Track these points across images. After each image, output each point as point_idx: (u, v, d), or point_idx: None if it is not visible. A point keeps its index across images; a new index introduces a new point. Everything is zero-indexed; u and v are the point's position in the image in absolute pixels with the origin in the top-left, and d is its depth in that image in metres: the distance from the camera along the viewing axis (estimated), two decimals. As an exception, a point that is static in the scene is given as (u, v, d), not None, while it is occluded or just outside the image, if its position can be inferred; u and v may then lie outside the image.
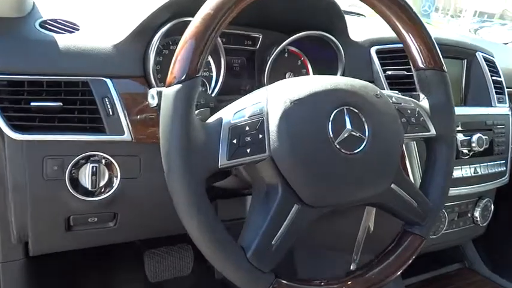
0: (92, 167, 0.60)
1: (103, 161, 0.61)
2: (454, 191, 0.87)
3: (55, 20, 0.65)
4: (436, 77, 0.59)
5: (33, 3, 0.68)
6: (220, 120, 0.48)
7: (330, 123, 0.48)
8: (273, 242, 0.47)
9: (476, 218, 0.98)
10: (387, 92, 0.60)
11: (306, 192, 0.48)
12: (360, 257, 0.82)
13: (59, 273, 0.98)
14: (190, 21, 0.47)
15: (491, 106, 0.97)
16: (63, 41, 0.61)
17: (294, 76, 0.81)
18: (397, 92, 0.63)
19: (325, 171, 0.48)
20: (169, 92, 0.45)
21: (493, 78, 0.98)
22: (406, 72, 0.83)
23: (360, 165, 0.50)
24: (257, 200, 0.50)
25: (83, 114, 0.59)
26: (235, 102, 0.50)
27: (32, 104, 0.56)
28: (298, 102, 0.48)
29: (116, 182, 0.62)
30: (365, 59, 0.83)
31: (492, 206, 1.01)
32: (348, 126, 0.49)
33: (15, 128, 0.56)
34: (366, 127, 0.50)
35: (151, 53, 0.63)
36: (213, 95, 0.73)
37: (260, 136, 0.47)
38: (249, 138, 0.46)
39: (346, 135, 0.49)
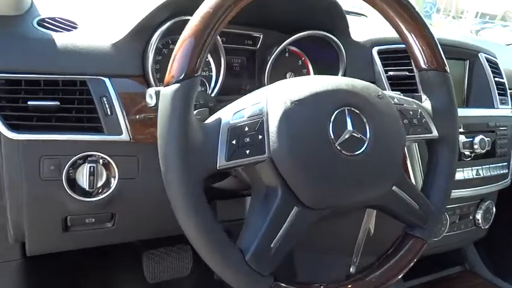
0: (90, 167, 0.59)
1: (101, 161, 0.61)
2: (455, 193, 0.86)
3: (53, 18, 0.64)
4: (438, 77, 0.59)
5: (31, 1, 0.67)
6: (219, 120, 0.47)
7: (331, 124, 0.48)
8: (272, 245, 0.47)
9: (478, 220, 0.98)
10: (389, 92, 0.59)
11: (306, 194, 0.48)
12: (360, 259, 0.81)
13: (57, 273, 0.98)
14: (189, 20, 0.46)
15: (494, 108, 0.96)
16: (61, 39, 0.60)
17: (295, 76, 0.81)
18: (399, 92, 0.62)
19: (325, 173, 0.47)
20: (167, 92, 0.44)
21: (496, 79, 0.98)
22: (408, 73, 0.83)
23: (361, 167, 0.49)
24: (256, 202, 0.50)
25: (81, 114, 0.59)
26: (234, 103, 0.49)
27: (29, 103, 0.56)
28: (299, 102, 0.47)
29: (114, 183, 0.62)
30: (366, 59, 0.83)
31: (494, 209, 1.00)
32: (349, 127, 0.49)
33: (12, 128, 0.55)
34: (368, 128, 0.50)
35: (150, 52, 0.63)
36: (212, 95, 0.72)
37: (260, 137, 0.46)
38: (248, 139, 0.46)
39: (347, 136, 0.48)
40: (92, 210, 0.63)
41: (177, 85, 0.44)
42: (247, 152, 0.46)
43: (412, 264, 0.58)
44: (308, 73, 0.83)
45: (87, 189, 0.60)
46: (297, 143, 0.46)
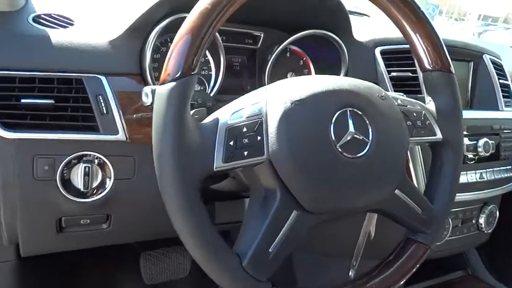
0: (85, 167, 0.58)
1: (96, 161, 0.59)
2: (458, 197, 0.84)
3: (49, 15, 0.63)
4: (443, 78, 0.57)
5: (27, -3, 0.66)
6: (216, 120, 0.45)
7: (332, 125, 0.46)
8: (270, 250, 0.45)
9: (481, 224, 0.96)
10: (392, 93, 0.58)
11: (306, 197, 0.46)
12: (360, 263, 0.80)
13: (53, 274, 0.97)
14: None
15: (498, 110, 0.95)
16: (57, 36, 0.59)
17: (296, 76, 0.79)
18: (402, 93, 0.61)
19: (326, 176, 0.46)
20: (162, 90, 0.43)
21: (501, 81, 0.96)
22: (411, 74, 0.82)
23: (362, 170, 0.48)
24: (254, 205, 0.48)
25: (76, 113, 0.58)
26: (233, 102, 0.48)
27: (23, 101, 0.54)
28: (299, 103, 0.46)
29: (109, 183, 0.60)
30: (369, 59, 0.82)
31: (497, 213, 0.99)
32: (351, 128, 0.47)
33: (5, 126, 0.54)
34: (370, 130, 0.48)
35: (148, 50, 0.62)
36: (211, 94, 0.71)
37: (258, 138, 0.45)
38: (246, 140, 0.44)
39: (348, 138, 0.47)
40: (87, 211, 0.62)
41: (172, 83, 0.42)
42: (246, 153, 0.44)
43: (414, 270, 0.56)
44: (309, 73, 0.82)
45: (81, 189, 0.58)
46: (296, 145, 0.45)
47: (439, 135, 0.56)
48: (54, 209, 0.60)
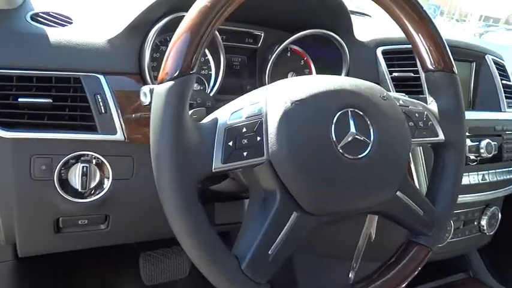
0: (83, 167, 0.57)
1: (94, 161, 0.59)
2: (460, 199, 0.84)
3: (47, 13, 0.63)
4: (445, 79, 0.56)
5: (26, -5, 0.66)
6: (215, 120, 0.45)
7: (333, 125, 0.46)
8: (269, 252, 0.44)
9: (483, 226, 0.95)
10: (394, 94, 0.57)
11: (306, 199, 0.45)
12: (360, 265, 0.79)
13: (52, 274, 0.96)
14: None
15: (501, 111, 0.95)
16: (55, 34, 0.58)
17: (297, 76, 0.79)
18: (404, 94, 0.60)
19: (326, 177, 0.45)
20: (160, 90, 0.42)
21: (503, 82, 0.96)
22: (413, 74, 0.81)
23: (364, 171, 0.47)
24: (254, 206, 0.48)
25: (74, 112, 0.57)
26: (232, 102, 0.47)
27: (20, 100, 0.54)
28: (300, 103, 0.45)
29: (108, 183, 0.60)
30: (371, 59, 0.81)
31: (499, 215, 0.98)
32: (352, 129, 0.46)
33: (2, 125, 0.53)
34: (371, 131, 0.48)
35: (147, 49, 0.61)
36: (211, 94, 0.70)
37: (258, 138, 0.44)
38: (246, 141, 0.43)
39: (350, 139, 0.46)
40: (84, 212, 0.61)
41: (171, 82, 0.42)
42: (245, 154, 0.43)
43: (415, 273, 0.55)
44: (310, 73, 0.81)
45: (79, 190, 0.58)
46: (297, 145, 0.44)
47: (441, 136, 0.56)
48: (51, 209, 0.59)
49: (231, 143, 0.43)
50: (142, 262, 1.05)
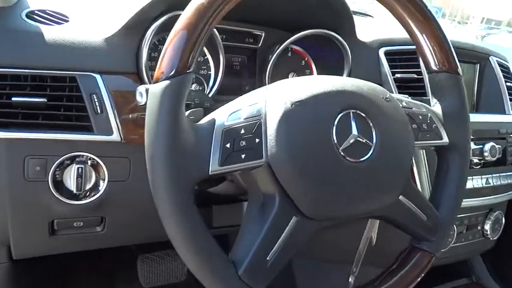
0: (78, 168, 0.56)
1: (89, 162, 0.58)
2: (463, 203, 0.81)
3: (43, 11, 0.62)
4: (450, 80, 0.55)
5: (22, -8, 0.65)
6: (213, 121, 0.43)
7: (334, 127, 0.44)
8: (268, 258, 0.43)
9: (487, 231, 0.94)
10: (397, 95, 0.56)
11: (306, 203, 0.44)
12: (360, 269, 0.78)
13: (48, 276, 0.95)
14: None
15: (505, 113, 0.94)
16: (51, 33, 0.57)
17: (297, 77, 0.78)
18: (407, 95, 0.59)
19: (327, 181, 0.44)
20: (156, 89, 0.41)
21: (507, 84, 0.95)
22: (416, 76, 0.80)
23: (366, 175, 0.45)
24: (252, 210, 0.46)
25: (69, 112, 0.56)
26: (230, 103, 0.46)
27: (14, 99, 0.53)
28: (300, 104, 0.44)
29: (103, 185, 0.59)
30: (373, 60, 0.80)
31: (503, 219, 0.97)
32: (354, 131, 0.45)
33: None
34: (374, 133, 0.46)
35: (145, 48, 0.60)
36: (210, 94, 0.69)
37: (257, 140, 0.43)
38: (244, 143, 0.42)
39: (351, 141, 0.45)
40: (80, 214, 0.60)
41: (166, 82, 0.41)
42: (243, 156, 0.42)
43: (418, 279, 0.54)
44: (311, 74, 0.80)
45: (74, 191, 0.57)
46: (296, 148, 0.43)
47: (445, 139, 0.54)
48: (46, 211, 0.58)
49: (228, 145, 0.42)
50: (140, 264, 1.04)
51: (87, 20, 0.63)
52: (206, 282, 0.43)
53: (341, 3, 0.70)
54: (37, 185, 0.56)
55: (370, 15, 1.26)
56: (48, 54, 0.56)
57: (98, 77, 0.57)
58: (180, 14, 0.60)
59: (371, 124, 0.46)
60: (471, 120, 0.58)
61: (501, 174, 0.89)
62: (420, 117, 0.53)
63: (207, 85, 0.71)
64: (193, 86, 0.70)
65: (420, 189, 0.79)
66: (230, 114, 0.44)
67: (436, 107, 0.56)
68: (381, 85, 0.52)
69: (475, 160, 0.84)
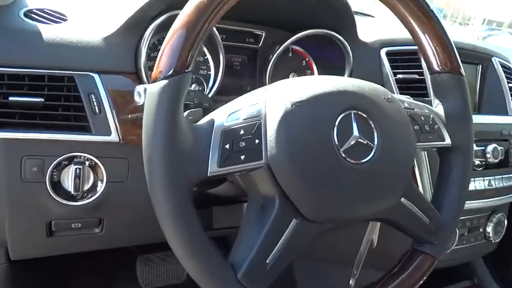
0: (76, 169, 0.56)
1: (87, 162, 0.57)
2: (465, 205, 0.80)
3: (41, 10, 0.61)
4: (453, 81, 0.55)
5: (20, -9, 0.64)
6: (212, 122, 0.43)
7: (335, 128, 0.44)
8: (267, 261, 0.42)
9: (489, 233, 0.93)
10: (399, 96, 0.55)
11: (306, 205, 0.43)
12: (361, 271, 0.77)
13: (46, 278, 0.94)
14: None
15: (508, 115, 0.93)
16: (49, 32, 0.57)
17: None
18: (408, 96, 0.58)
19: (328, 183, 0.43)
20: (153, 89, 0.40)
21: (510, 85, 0.94)
22: (417, 76, 0.79)
23: (367, 177, 0.45)
24: (252, 212, 0.46)
25: (67, 112, 0.56)
26: (230, 103, 0.45)
27: (11, 98, 0.52)
28: (300, 104, 0.43)
29: (101, 186, 0.58)
30: (374, 61, 0.79)
31: (506, 221, 0.96)
32: (355, 132, 0.44)
33: None
34: (375, 134, 0.46)
35: (144, 48, 0.60)
36: (210, 95, 0.69)
37: (256, 141, 0.42)
38: (243, 144, 0.42)
39: (352, 142, 0.44)
40: (78, 215, 0.59)
41: (164, 81, 0.40)
42: (242, 157, 0.41)
43: (420, 283, 0.53)
44: (312, 74, 0.80)
45: (72, 192, 0.56)
46: (297, 149, 0.42)
47: (447, 140, 0.54)
48: (43, 212, 0.57)
49: (227, 146, 0.41)
50: (139, 265, 1.04)
51: (86, 19, 0.62)
52: (204, 286, 0.42)
53: (342, 3, 0.69)
54: (34, 185, 0.55)
55: (371, 16, 1.25)
56: (46, 53, 0.55)
57: (96, 76, 0.56)
58: (179, 13, 0.60)
59: (372, 125, 0.46)
60: (473, 121, 0.57)
61: (504, 176, 0.88)
62: (422, 118, 0.52)
63: (207, 85, 0.70)
64: (193, 86, 0.70)
65: (422, 192, 0.78)
66: (229, 114, 0.43)
67: (439, 108, 0.56)
68: (382, 86, 0.52)
69: (477, 162, 0.84)
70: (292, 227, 0.43)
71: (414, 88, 0.79)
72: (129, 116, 0.58)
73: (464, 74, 0.55)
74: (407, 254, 0.55)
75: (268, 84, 0.72)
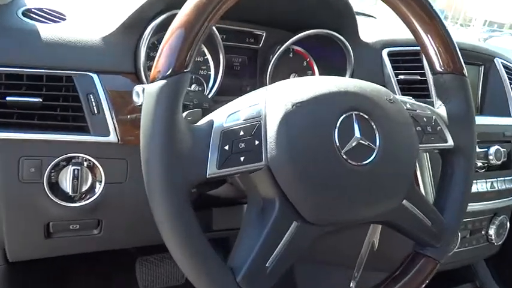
0: (74, 169, 0.55)
1: (85, 163, 0.56)
2: (468, 207, 0.81)
3: (40, 9, 0.61)
4: (455, 82, 0.54)
5: (18, -10, 0.64)
6: (211, 123, 0.42)
7: (337, 129, 0.43)
8: (267, 264, 0.42)
9: (491, 236, 0.92)
10: (401, 97, 0.54)
11: (307, 207, 0.43)
12: (362, 274, 0.77)
13: (45, 279, 0.94)
14: None
15: (510, 116, 0.92)
16: (47, 31, 0.56)
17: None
18: (410, 97, 0.57)
19: (329, 185, 0.43)
20: (152, 89, 0.40)
21: (512, 86, 0.93)
22: (419, 77, 0.79)
23: (368, 179, 0.44)
24: (251, 215, 0.45)
25: (66, 112, 0.55)
26: (229, 104, 0.45)
27: (8, 98, 0.52)
28: (301, 105, 0.43)
29: (100, 187, 0.58)
30: (376, 61, 0.79)
31: (508, 224, 0.95)
32: (357, 134, 0.44)
33: None
34: (377, 135, 0.45)
35: (143, 47, 0.59)
36: (210, 95, 0.68)
37: (256, 142, 0.41)
38: (243, 145, 0.41)
39: (354, 144, 0.43)
40: (76, 216, 0.59)
41: (163, 81, 0.39)
42: (242, 159, 0.41)
43: (422, 286, 0.53)
44: (313, 75, 0.79)
45: (70, 193, 0.56)
46: (297, 150, 0.41)
47: (450, 142, 0.53)
48: (41, 213, 0.57)
49: (227, 147, 0.41)
50: (138, 267, 1.03)
51: (85, 18, 0.62)
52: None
53: (343, 3, 0.69)
54: (32, 186, 0.54)
55: (373, 16, 1.25)
56: (45, 53, 0.55)
57: (95, 76, 0.56)
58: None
59: (374, 126, 0.45)
60: (476, 123, 0.57)
61: (506, 178, 0.88)
62: (425, 119, 0.52)
63: (207, 86, 0.70)
64: (193, 86, 0.69)
65: (423, 194, 0.78)
66: (229, 115, 0.42)
67: (441, 109, 0.55)
68: (384, 86, 0.51)
69: (480, 164, 0.83)
70: (293, 229, 0.43)
71: (416, 89, 0.78)
72: (128, 116, 0.57)
73: (467, 74, 0.55)
74: (409, 257, 0.54)
75: (269, 84, 0.71)
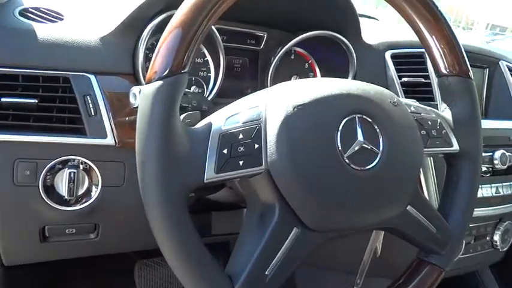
0: (70, 172, 0.54)
1: (82, 166, 0.55)
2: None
3: (37, 8, 0.60)
4: (461, 84, 0.53)
5: (15, -11, 0.63)
6: (209, 125, 0.41)
7: (339, 133, 0.42)
8: (266, 272, 0.40)
9: (496, 242, 0.90)
10: (405, 100, 0.53)
11: (308, 213, 0.41)
12: (364, 280, 0.75)
13: (41, 283, 0.93)
14: None
15: (516, 120, 0.90)
16: (45, 31, 0.55)
17: None
18: (415, 100, 0.56)
19: (330, 190, 0.41)
20: (148, 90, 0.39)
21: (518, 89, 0.91)
22: (423, 80, 0.77)
23: (372, 184, 0.43)
24: (251, 220, 0.44)
25: (62, 114, 0.54)
26: (228, 106, 0.44)
27: (3, 99, 0.51)
28: (302, 107, 0.41)
29: (96, 191, 0.56)
30: (379, 63, 0.77)
31: (513, 230, 0.93)
32: (360, 137, 0.42)
33: None
34: (381, 139, 0.44)
35: (141, 48, 0.58)
36: (210, 97, 0.67)
37: (256, 146, 0.40)
38: (242, 148, 0.40)
39: (357, 148, 0.42)
40: (72, 220, 0.58)
41: (159, 82, 0.38)
42: (241, 163, 0.39)
43: None
44: (315, 77, 0.78)
45: (66, 197, 0.54)
46: (298, 154, 0.40)
47: (455, 146, 0.52)
48: (36, 217, 0.56)
49: (225, 151, 0.39)
50: (137, 271, 1.02)
51: (82, 18, 0.61)
52: None
53: (346, 3, 0.67)
54: (27, 190, 0.53)
55: (375, 18, 1.24)
56: (41, 53, 0.54)
57: (92, 77, 0.55)
58: None
59: (378, 130, 0.44)
60: (481, 126, 0.55)
61: (511, 183, 0.86)
62: (429, 123, 0.50)
63: (207, 87, 0.69)
64: (193, 88, 0.68)
65: (427, 199, 0.76)
66: (228, 117, 0.41)
67: (446, 112, 0.54)
68: (387, 89, 0.50)
69: (484, 168, 0.82)
70: (293, 236, 0.41)
71: (419, 92, 0.77)
72: (126, 118, 0.57)
73: (472, 77, 0.53)
74: (413, 264, 0.53)
75: (270, 86, 0.70)
